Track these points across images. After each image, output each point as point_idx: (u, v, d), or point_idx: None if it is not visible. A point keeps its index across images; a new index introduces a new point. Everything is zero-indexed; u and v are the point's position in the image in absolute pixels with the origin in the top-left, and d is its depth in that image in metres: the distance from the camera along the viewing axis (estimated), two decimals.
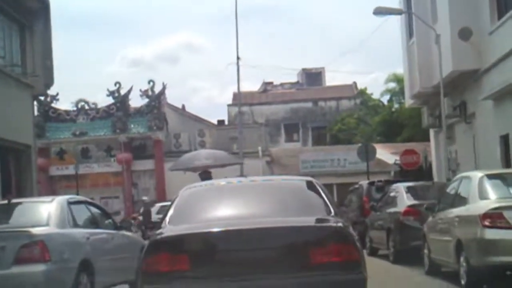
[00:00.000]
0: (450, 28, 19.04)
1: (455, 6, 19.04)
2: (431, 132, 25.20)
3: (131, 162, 38.56)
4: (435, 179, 22.97)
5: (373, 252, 17.05)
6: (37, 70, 21.69)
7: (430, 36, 20.46)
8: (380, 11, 19.59)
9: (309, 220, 6.01)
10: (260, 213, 6.20)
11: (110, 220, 11.32)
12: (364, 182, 21.75)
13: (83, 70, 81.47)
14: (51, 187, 37.77)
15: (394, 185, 16.70)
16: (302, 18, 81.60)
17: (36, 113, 39.24)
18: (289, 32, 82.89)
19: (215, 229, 5.81)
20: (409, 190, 15.48)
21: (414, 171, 27.62)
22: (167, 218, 6.38)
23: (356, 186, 22.13)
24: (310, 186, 6.81)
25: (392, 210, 15.42)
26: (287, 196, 6.64)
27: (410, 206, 14.56)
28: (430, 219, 12.26)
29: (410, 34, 23.15)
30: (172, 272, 5.62)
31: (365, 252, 18.24)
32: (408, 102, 25.25)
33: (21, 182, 20.02)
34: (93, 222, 10.47)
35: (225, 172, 25.07)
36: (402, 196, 15.23)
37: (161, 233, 6.01)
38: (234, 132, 39.34)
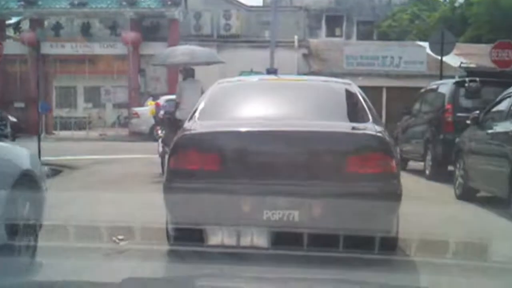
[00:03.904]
0: None
1: None
2: None
3: (140, 44, 31.66)
4: None
5: (470, 193, 10.41)
6: None
7: None
8: None
9: (345, 126, 5.84)
10: (295, 114, 5.96)
11: None
12: (447, 82, 14.88)
13: None
14: (42, 69, 31.44)
15: None
16: None
17: None
18: None
19: (248, 129, 5.60)
20: None
21: (497, 74, 20.54)
22: (197, 113, 5.97)
23: (433, 87, 15.29)
24: (349, 90, 6.43)
25: None
26: (325, 99, 6.35)
27: None
28: None
29: None
30: (200, 170, 5.39)
31: (453, 189, 11.67)
32: None
33: None
34: None
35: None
36: None
37: (190, 129, 5.70)
38: (266, 16, 32.30)
